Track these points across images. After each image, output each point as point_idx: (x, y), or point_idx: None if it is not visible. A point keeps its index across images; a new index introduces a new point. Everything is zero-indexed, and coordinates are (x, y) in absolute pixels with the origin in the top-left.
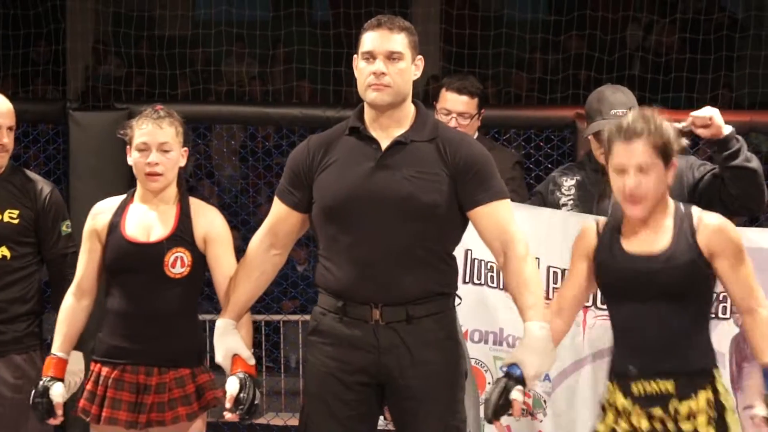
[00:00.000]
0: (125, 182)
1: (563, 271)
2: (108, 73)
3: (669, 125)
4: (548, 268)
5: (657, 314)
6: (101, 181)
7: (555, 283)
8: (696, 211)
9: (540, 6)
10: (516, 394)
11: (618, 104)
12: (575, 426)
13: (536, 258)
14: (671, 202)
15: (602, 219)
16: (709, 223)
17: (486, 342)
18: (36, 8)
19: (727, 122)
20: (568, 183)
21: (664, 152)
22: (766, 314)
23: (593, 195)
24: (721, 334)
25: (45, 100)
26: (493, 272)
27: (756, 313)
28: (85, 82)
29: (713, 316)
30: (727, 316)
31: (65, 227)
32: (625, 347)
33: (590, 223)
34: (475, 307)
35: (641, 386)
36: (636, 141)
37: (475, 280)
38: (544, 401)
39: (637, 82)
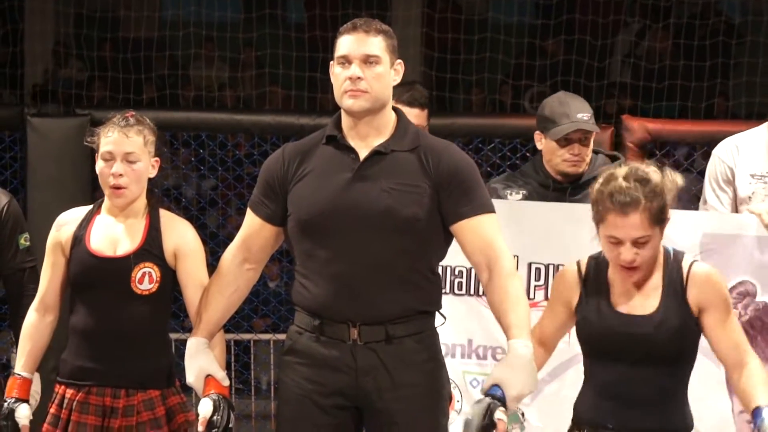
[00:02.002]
0: (87, 192)
1: (547, 266)
2: (69, 77)
3: (663, 176)
4: (529, 264)
5: (643, 377)
6: (61, 192)
7: (537, 280)
8: (687, 261)
9: (526, 9)
10: (501, 414)
11: (583, 109)
12: None
13: (516, 256)
14: (661, 251)
15: (584, 260)
16: (698, 275)
17: (453, 356)
18: None
19: (721, 133)
20: (514, 197)
21: (660, 218)
22: (757, 363)
23: None
24: None
25: (1, 104)
26: (461, 278)
27: (746, 366)
28: (43, 86)
29: None
30: None
31: (23, 240)
32: (604, 400)
33: (571, 267)
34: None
35: None
36: (632, 214)
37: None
38: (522, 413)
39: (628, 90)
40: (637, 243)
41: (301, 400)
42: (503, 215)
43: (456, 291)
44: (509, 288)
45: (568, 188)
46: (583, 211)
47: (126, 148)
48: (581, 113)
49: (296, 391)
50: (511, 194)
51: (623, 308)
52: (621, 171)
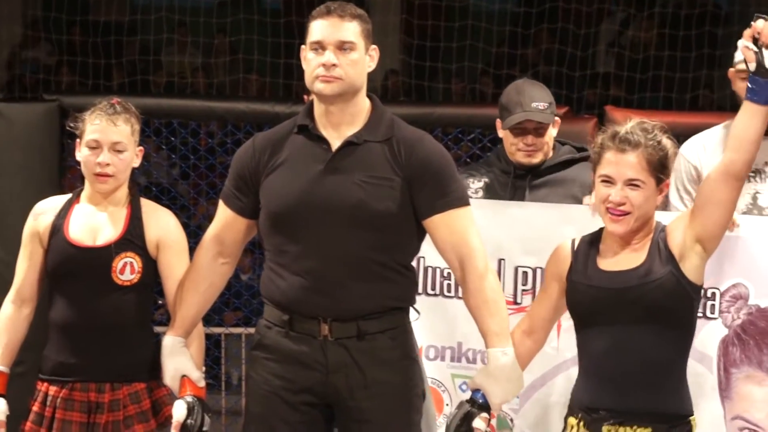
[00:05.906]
0: (54, 179)
1: (534, 270)
2: (37, 62)
3: (669, 141)
4: (516, 269)
5: (633, 340)
6: (28, 179)
7: (524, 284)
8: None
9: None
10: (479, 422)
11: (539, 98)
12: None
13: (501, 259)
14: (654, 223)
15: (579, 237)
16: (670, 222)
17: (443, 359)
18: None
19: (706, 125)
20: (476, 185)
21: (658, 170)
22: None
23: (504, 198)
24: (709, 335)
25: None
26: (450, 280)
27: None
28: (10, 71)
29: (700, 315)
30: (715, 315)
31: None
32: (596, 379)
33: (565, 242)
34: (430, 321)
35: (614, 431)
36: (629, 153)
37: (429, 290)
38: (511, 420)
39: (612, 80)
40: (629, 184)
41: (269, 396)
42: (485, 217)
43: (445, 293)
44: (485, 291)
45: (528, 175)
46: (573, 212)
47: (113, 137)
48: (536, 102)
49: (264, 387)
50: (473, 182)
51: (609, 266)
52: (629, 122)
